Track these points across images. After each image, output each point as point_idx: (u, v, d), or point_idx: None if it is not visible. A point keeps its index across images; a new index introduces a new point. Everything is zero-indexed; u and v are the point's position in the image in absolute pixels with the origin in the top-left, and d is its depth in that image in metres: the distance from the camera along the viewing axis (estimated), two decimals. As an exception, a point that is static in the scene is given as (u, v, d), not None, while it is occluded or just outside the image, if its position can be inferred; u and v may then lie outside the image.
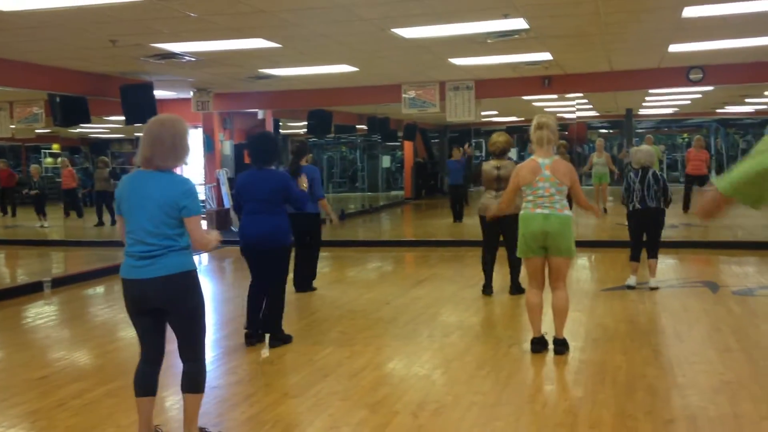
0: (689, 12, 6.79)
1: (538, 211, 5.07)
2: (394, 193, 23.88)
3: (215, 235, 3.76)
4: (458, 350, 5.46)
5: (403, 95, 11.61)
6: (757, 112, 22.77)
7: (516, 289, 7.30)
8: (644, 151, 7.55)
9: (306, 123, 14.67)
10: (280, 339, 5.73)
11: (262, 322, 5.76)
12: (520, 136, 27.47)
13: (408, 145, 22.33)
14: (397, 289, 8.01)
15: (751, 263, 9.35)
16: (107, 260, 10.00)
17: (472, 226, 13.69)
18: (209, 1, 5.99)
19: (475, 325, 6.39)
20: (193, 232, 3.51)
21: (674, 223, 11.70)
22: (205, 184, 13.37)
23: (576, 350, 5.31)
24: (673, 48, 9.08)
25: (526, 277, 5.51)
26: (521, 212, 5.22)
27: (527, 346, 5.38)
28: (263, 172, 5.62)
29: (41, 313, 7.77)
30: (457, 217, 14.58)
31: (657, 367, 4.95)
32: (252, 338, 5.72)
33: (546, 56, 9.37)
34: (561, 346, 5.21)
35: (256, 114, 14.10)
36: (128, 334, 6.12)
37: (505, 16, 6.69)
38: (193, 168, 13.64)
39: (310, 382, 4.78)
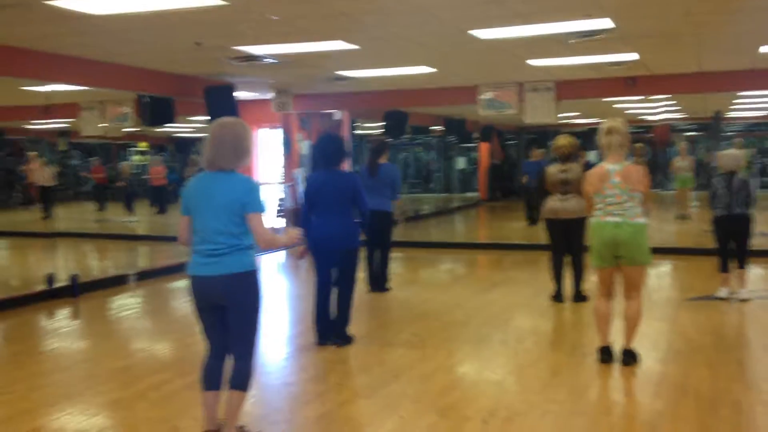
0: (785, 10, 6.46)
1: (609, 219, 4.89)
2: (468, 194, 23.71)
3: (291, 233, 3.82)
4: (532, 357, 5.36)
5: (480, 97, 11.48)
6: None
7: (578, 296, 7.12)
8: (730, 155, 7.21)
9: (382, 123, 14.76)
10: (345, 339, 5.73)
11: (332, 323, 5.77)
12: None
13: (484, 147, 22.14)
14: (470, 292, 7.94)
15: None
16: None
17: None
18: (292, 4, 6.09)
19: (549, 332, 6.26)
20: (256, 229, 3.55)
21: (765, 230, 11.11)
22: (283, 183, 13.63)
23: (657, 362, 5.12)
24: (765, 49, 8.65)
25: (594, 285, 5.32)
26: (592, 220, 5.04)
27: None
28: (333, 174, 5.65)
29: (126, 305, 8.09)
30: (533, 220, 14.32)
31: (743, 383, 4.72)
32: (324, 339, 5.73)
33: (633, 56, 9.08)
34: (629, 357, 5.03)
35: (332, 114, 14.27)
36: (206, 328, 6.30)
37: (587, 16, 6.52)
38: (271, 167, 13.94)
39: (380, 382, 4.79)
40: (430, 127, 19.44)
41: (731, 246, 7.13)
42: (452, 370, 5.17)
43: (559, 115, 12.31)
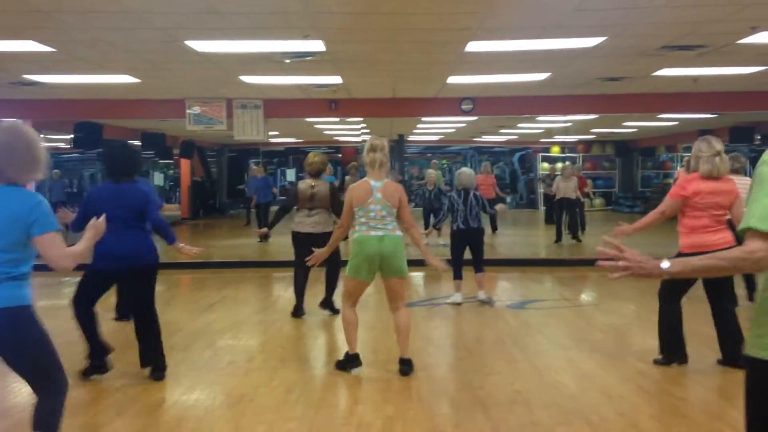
0: (472, 47, 7.32)
1: (373, 233, 5.06)
2: (168, 213, 22.81)
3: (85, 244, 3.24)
4: (265, 375, 5.27)
5: (188, 111, 11.13)
6: (507, 141, 25.36)
7: (333, 308, 7.26)
8: (465, 174, 7.96)
9: (72, 136, 13.60)
10: (164, 367, 5.21)
11: (148, 357, 5.20)
12: (296, 157, 27.86)
13: (185, 163, 21.45)
14: (187, 315, 7.57)
15: (515, 279, 10.27)
16: None
17: (255, 246, 13.49)
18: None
19: (277, 348, 6.20)
20: (48, 253, 3.01)
21: (440, 242, 12.35)
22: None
23: (382, 369, 5.39)
24: (452, 80, 9.74)
25: (344, 295, 5.35)
26: (355, 235, 5.14)
27: (333, 366, 5.36)
28: (123, 186, 5.08)
29: None
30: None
31: (456, 381, 5.19)
32: (100, 368, 5.23)
33: (337, 80, 9.54)
34: (407, 365, 5.22)
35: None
36: None
37: (306, 36, 6.69)
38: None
39: (101, 421, 4.32)
40: (127, 141, 18.27)
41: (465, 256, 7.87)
42: (182, 399, 4.84)
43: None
